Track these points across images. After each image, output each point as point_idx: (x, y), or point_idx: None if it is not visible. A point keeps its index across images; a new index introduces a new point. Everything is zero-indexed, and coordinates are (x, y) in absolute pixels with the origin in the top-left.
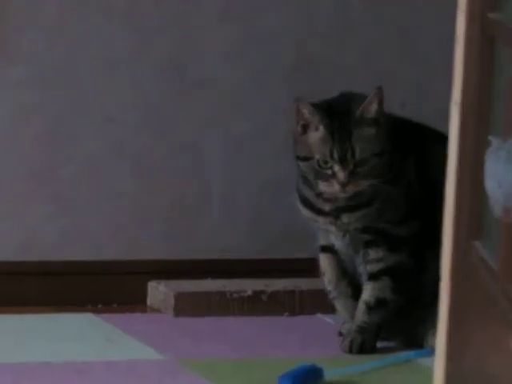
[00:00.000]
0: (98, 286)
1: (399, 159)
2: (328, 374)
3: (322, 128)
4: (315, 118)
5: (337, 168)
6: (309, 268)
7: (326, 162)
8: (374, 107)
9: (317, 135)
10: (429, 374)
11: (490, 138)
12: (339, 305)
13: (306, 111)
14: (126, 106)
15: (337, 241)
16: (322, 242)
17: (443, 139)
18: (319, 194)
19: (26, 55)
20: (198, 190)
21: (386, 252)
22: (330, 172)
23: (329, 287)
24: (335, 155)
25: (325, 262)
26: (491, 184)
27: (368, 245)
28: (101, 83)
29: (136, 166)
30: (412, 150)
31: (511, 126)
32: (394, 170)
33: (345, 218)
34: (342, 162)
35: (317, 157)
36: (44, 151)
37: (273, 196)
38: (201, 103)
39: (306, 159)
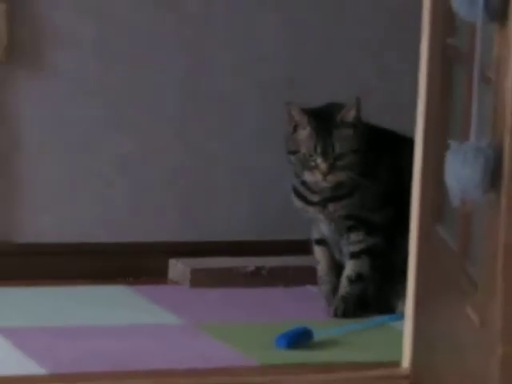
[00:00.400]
0: (128, 264)
1: (376, 160)
2: (317, 335)
3: (308, 127)
4: (304, 119)
5: (319, 160)
6: (300, 248)
7: (311, 155)
8: (352, 113)
9: (304, 133)
10: (399, 334)
11: (450, 141)
12: (324, 288)
13: (296, 113)
14: (151, 114)
15: (325, 228)
16: (316, 235)
17: (412, 143)
18: (304, 183)
19: (71, 73)
20: (210, 183)
21: (365, 235)
22: (313, 164)
23: (320, 273)
24: (318, 149)
25: (319, 253)
26: (450, 180)
27: (350, 229)
28: (131, 94)
29: (159, 163)
30: (387, 153)
31: (467, 131)
32: (372, 168)
33: (331, 206)
34: (324, 155)
35: (303, 150)
36: (84, 150)
37: (271, 188)
38: (211, 111)
39: (295, 153)
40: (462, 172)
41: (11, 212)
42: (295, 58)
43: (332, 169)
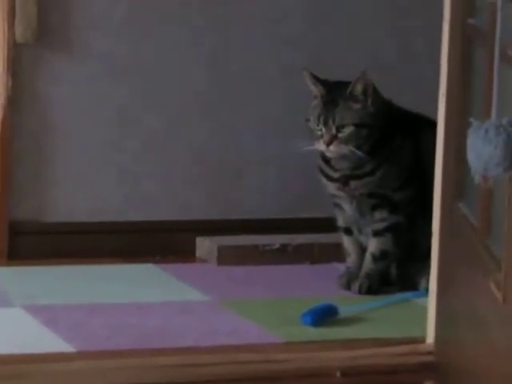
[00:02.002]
0: (156, 242)
1: (400, 140)
2: (342, 311)
3: (319, 97)
4: (314, 88)
5: (323, 130)
6: (325, 225)
7: (317, 124)
8: (359, 87)
9: (315, 102)
10: (423, 311)
11: (471, 119)
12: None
13: (308, 80)
14: (178, 92)
15: (346, 206)
16: (341, 223)
17: (434, 125)
18: (324, 159)
19: (99, 53)
20: (237, 162)
21: (388, 213)
22: (320, 133)
23: (350, 264)
24: (321, 119)
25: (349, 245)
26: (472, 157)
27: (374, 208)
28: (159, 74)
29: (187, 142)
30: (410, 134)
31: (488, 110)
32: (393, 149)
33: (352, 184)
34: (326, 125)
35: (311, 119)
36: (113, 129)
37: (297, 167)
38: (237, 88)
39: (308, 120)
40: (483, 149)
41: (42, 191)
42: (319, 35)
43: (334, 139)
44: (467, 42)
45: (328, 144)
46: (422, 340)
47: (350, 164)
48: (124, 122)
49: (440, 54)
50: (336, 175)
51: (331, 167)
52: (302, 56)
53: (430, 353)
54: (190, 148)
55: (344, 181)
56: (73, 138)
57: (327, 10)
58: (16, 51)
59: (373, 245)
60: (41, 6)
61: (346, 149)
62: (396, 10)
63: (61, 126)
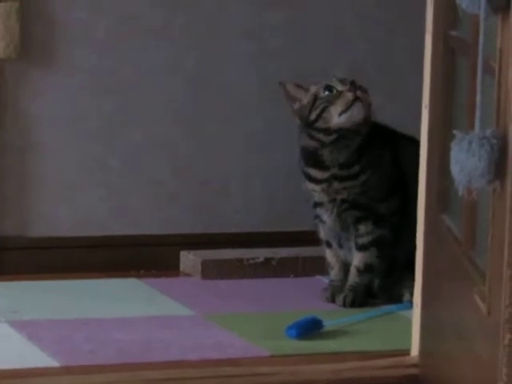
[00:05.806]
0: (140, 256)
1: (379, 149)
2: (327, 324)
3: (310, 88)
4: (301, 91)
5: (339, 86)
6: (309, 238)
7: (329, 89)
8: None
9: (311, 89)
10: (408, 323)
11: (455, 131)
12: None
13: (292, 89)
14: (162, 107)
15: (326, 216)
16: (323, 235)
17: (412, 140)
18: (319, 156)
19: (82, 68)
20: (221, 176)
21: (372, 226)
22: (336, 93)
23: (333, 277)
24: (333, 78)
25: (332, 258)
26: (456, 169)
27: (359, 220)
28: (142, 89)
29: (171, 156)
30: (388, 147)
31: (472, 122)
32: (376, 155)
33: (335, 184)
34: (340, 80)
35: (321, 93)
36: (97, 144)
37: (281, 181)
38: (222, 104)
39: (311, 109)
40: (467, 161)
41: (26, 206)
42: (301, 52)
43: (356, 87)
44: (450, 54)
45: (353, 90)
46: (407, 353)
47: (346, 153)
48: (108, 136)
49: (421, 66)
50: (320, 176)
51: (321, 165)
52: (285, 70)
53: (414, 365)
54: (174, 162)
55: (328, 180)
56: (57, 153)
57: (309, 24)
58: None
59: (357, 258)
60: (23, 21)
61: (368, 97)
62: (377, 23)
63: (44, 141)
